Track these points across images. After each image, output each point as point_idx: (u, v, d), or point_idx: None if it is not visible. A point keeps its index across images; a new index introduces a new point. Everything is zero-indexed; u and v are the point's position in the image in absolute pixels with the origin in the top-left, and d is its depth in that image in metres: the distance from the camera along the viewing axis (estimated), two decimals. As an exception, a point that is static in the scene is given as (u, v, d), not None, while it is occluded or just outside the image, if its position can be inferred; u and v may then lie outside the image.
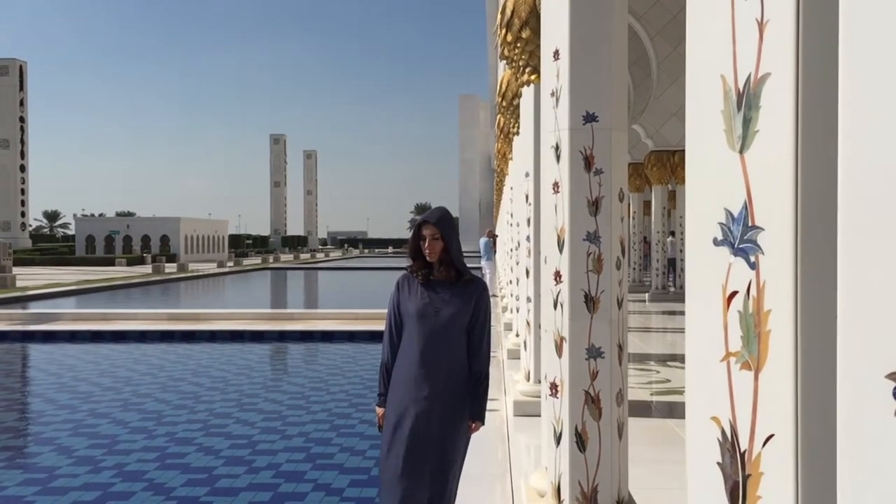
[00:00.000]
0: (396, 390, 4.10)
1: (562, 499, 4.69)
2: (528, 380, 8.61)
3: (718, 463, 1.31)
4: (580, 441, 4.64)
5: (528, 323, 8.73)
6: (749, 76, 1.25)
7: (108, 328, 17.89)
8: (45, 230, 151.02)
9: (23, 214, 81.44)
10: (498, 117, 15.39)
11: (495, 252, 27.26)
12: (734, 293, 1.28)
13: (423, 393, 4.01)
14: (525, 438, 7.32)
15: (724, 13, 1.30)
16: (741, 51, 1.26)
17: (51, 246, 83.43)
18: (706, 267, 1.35)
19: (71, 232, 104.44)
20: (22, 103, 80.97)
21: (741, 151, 1.27)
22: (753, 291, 1.25)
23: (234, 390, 11.54)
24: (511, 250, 15.01)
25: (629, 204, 26.89)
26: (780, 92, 1.20)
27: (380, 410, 4.23)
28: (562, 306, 4.68)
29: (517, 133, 11.18)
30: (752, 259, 1.25)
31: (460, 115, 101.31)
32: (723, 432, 1.30)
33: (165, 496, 6.72)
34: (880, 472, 0.93)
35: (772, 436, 1.21)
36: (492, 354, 4.37)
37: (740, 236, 1.27)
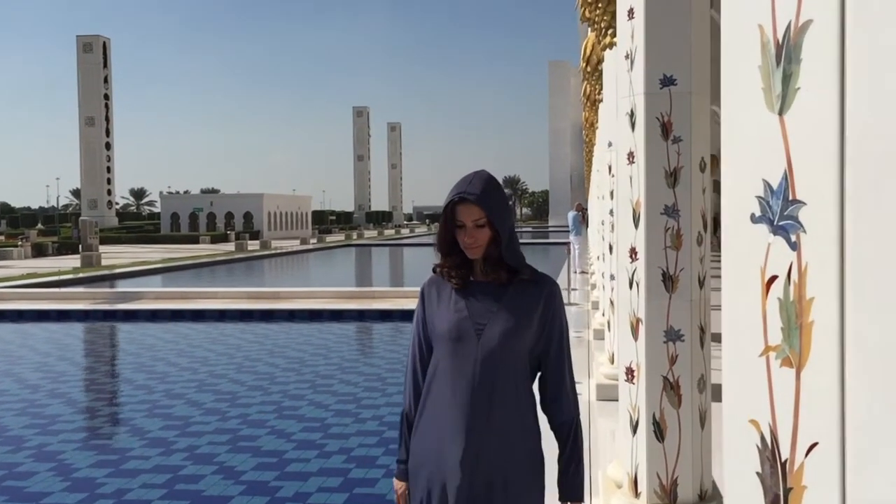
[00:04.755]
0: (424, 459, 2.73)
1: (639, 491, 4.56)
2: (613, 362, 8.45)
3: (758, 473, 1.19)
4: (658, 430, 4.49)
5: (611, 302, 8.56)
6: (789, 24, 1.11)
7: (188, 307, 18.38)
8: (133, 208, 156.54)
9: (109, 192, 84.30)
10: (584, 84, 15.11)
11: (586, 226, 26.94)
12: (773, 278, 1.15)
13: (466, 464, 2.62)
14: (608, 424, 7.18)
15: (762, -49, 1.16)
16: (781, -6, 1.12)
17: (136, 224, 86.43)
18: (743, 248, 1.22)
19: (157, 209, 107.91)
20: (106, 80, 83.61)
21: (780, 113, 1.14)
22: (795, 276, 1.12)
23: (310, 371, 11.69)
24: (600, 224, 14.78)
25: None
26: (823, 41, 1.06)
27: (399, 485, 2.85)
28: (637, 285, 4.52)
29: (602, 100, 10.93)
30: (794, 238, 1.12)
31: (550, 83, 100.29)
32: (762, 438, 1.18)
33: (235, 480, 6.84)
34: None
35: (815, 444, 1.09)
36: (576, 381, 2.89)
37: (780, 212, 1.14)
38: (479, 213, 2.63)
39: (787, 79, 1.12)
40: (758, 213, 1.19)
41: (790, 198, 1.12)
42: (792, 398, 1.12)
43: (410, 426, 2.81)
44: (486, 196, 2.64)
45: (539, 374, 2.82)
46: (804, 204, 1.10)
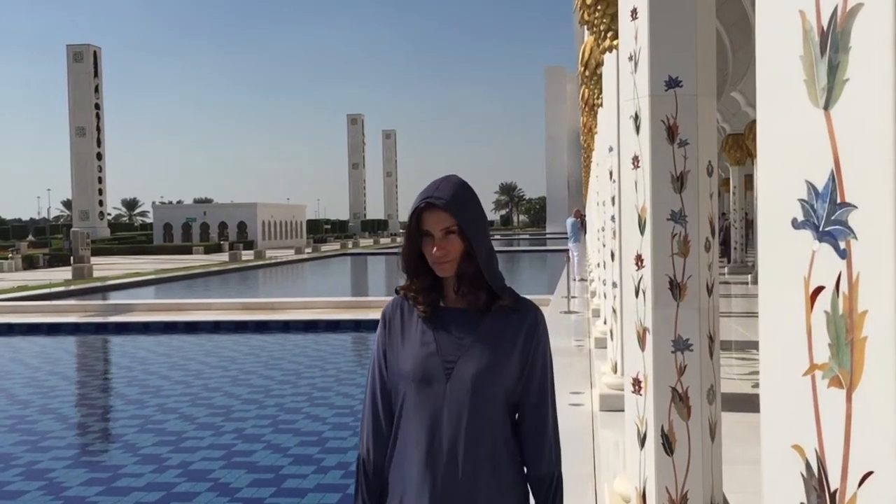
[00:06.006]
0: None
1: (647, 506, 4.46)
2: (616, 372, 8.35)
3: (802, 503, 1.10)
4: (667, 443, 4.40)
5: (613, 310, 8.47)
6: (835, 9, 1.02)
7: (181, 319, 18.25)
8: (125, 219, 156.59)
9: (100, 203, 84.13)
10: (582, 89, 15.06)
11: (585, 233, 26.89)
12: (819, 289, 1.06)
13: None
14: (612, 435, 7.09)
15: (802, -69, 1.07)
16: (825, -23, 1.03)
17: (129, 235, 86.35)
18: (784, 256, 1.13)
19: (150, 220, 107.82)
20: (97, 90, 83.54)
21: (826, 107, 1.04)
22: (844, 287, 1.02)
23: (306, 384, 11.58)
24: (599, 230, 14.72)
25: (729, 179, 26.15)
26: (876, 27, 0.96)
27: None
28: (644, 293, 4.43)
29: (601, 105, 10.87)
30: (843, 245, 1.02)
31: (546, 89, 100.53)
32: (807, 465, 1.08)
33: (230, 497, 6.73)
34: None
35: (870, 473, 0.99)
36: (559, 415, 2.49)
37: (826, 216, 1.05)
38: (450, 220, 2.25)
39: (834, 69, 1.03)
40: (800, 218, 1.09)
41: (838, 201, 1.03)
42: (842, 422, 1.03)
43: (368, 475, 2.38)
44: (457, 200, 2.27)
45: (517, 418, 2.38)
46: (855, 207, 1.00)
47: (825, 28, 1.04)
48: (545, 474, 2.34)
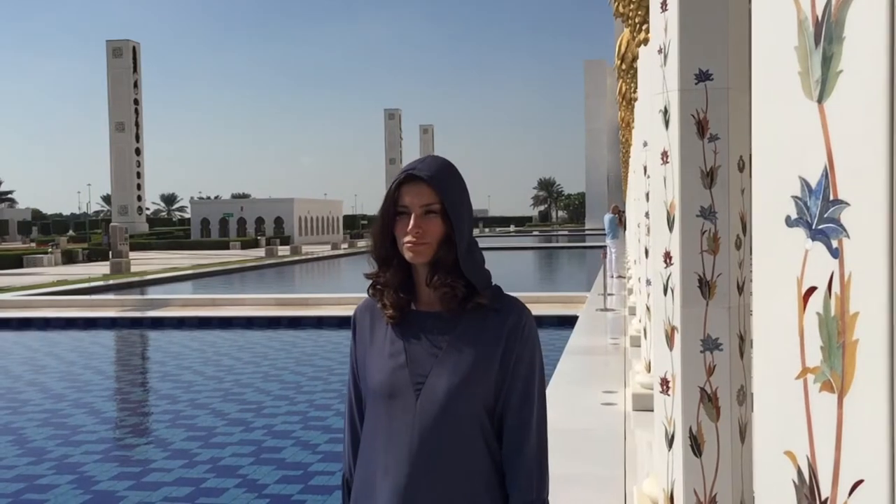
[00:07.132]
0: None
1: (675, 508, 4.41)
2: (649, 371, 8.28)
3: (795, 512, 1.07)
4: (695, 444, 4.35)
5: (647, 308, 8.40)
6: (829, -2, 0.99)
7: (216, 314, 18.42)
8: (163, 213, 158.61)
9: (139, 198, 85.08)
10: (619, 83, 14.96)
11: (623, 229, 26.73)
12: (812, 289, 1.03)
13: None
14: (645, 435, 7.04)
15: (796, -83, 1.03)
16: (818, -35, 1.00)
17: (167, 230, 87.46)
18: (777, 254, 1.10)
19: (188, 215, 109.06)
20: (136, 85, 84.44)
21: (820, 100, 1.01)
22: (836, 287, 0.99)
23: (338, 380, 11.62)
24: (636, 227, 14.62)
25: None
26: (870, 16, 0.93)
27: None
28: (672, 291, 4.38)
29: (637, 99, 10.79)
30: (835, 244, 1.00)
31: (586, 83, 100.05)
32: (798, 472, 1.05)
33: (258, 494, 6.77)
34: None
35: (860, 482, 0.96)
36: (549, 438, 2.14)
37: (819, 214, 1.02)
38: (432, 197, 1.98)
39: (828, 61, 0.99)
40: (794, 216, 1.06)
41: (831, 198, 1.00)
42: (833, 428, 1.00)
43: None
44: (442, 177, 2.01)
45: (497, 431, 2.07)
46: (847, 205, 0.97)
47: (820, 17, 1.00)
48: (524, 500, 2.01)
